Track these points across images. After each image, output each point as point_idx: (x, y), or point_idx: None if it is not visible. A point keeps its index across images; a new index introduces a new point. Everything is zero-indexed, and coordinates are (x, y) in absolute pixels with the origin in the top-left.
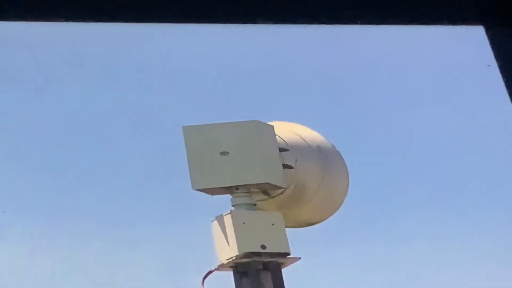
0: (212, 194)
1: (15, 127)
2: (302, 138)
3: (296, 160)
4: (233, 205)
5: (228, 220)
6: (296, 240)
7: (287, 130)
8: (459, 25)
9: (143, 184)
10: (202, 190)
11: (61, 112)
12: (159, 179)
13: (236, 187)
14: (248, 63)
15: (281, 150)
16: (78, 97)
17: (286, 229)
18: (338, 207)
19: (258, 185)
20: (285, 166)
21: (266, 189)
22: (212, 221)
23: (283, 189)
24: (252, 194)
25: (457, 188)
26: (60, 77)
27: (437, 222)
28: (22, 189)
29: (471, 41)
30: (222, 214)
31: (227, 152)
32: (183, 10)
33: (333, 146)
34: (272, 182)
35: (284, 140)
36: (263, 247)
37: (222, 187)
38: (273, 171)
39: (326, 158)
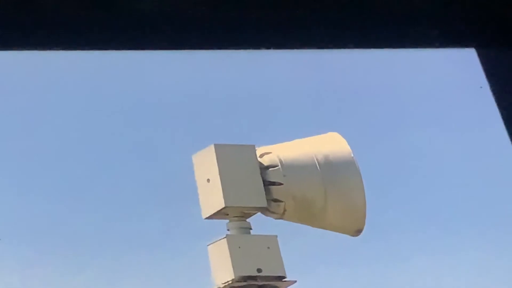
0: (217, 219)
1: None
2: (309, 150)
3: (284, 175)
4: (228, 229)
5: (223, 244)
6: (292, 262)
7: (300, 146)
8: (451, 47)
9: (137, 211)
10: (207, 218)
11: (56, 141)
12: (154, 205)
13: (226, 213)
14: (254, 88)
15: (269, 167)
16: (72, 127)
17: (346, 236)
18: (363, 211)
19: (239, 208)
20: (273, 183)
21: (244, 212)
22: (208, 245)
23: (282, 204)
24: (247, 217)
25: (450, 206)
26: (54, 105)
27: (434, 241)
28: (14, 217)
29: (463, 63)
30: (217, 239)
31: (209, 179)
32: (173, 37)
33: (349, 153)
34: (244, 205)
35: (278, 157)
36: (259, 270)
37: (215, 213)
38: (247, 193)
39: (332, 168)
